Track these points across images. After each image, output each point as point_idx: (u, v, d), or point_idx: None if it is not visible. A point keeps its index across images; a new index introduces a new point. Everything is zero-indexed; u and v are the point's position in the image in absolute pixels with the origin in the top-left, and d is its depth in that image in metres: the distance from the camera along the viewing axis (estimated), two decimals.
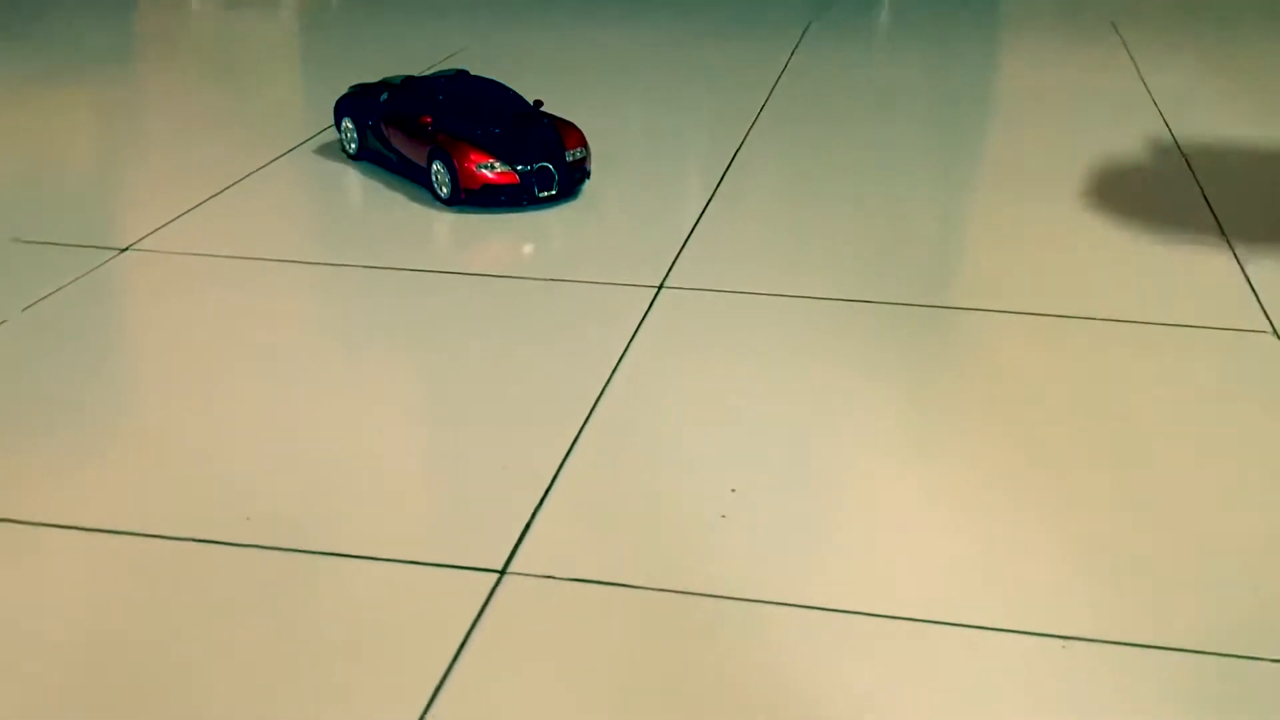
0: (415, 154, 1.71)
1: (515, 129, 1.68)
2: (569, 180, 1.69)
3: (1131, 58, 2.51)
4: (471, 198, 1.65)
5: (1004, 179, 1.87)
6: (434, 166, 1.67)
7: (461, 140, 1.65)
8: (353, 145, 1.85)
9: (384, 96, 1.80)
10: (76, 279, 1.44)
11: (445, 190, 1.66)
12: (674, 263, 1.52)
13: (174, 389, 1.22)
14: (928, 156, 1.95)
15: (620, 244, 1.59)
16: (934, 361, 1.29)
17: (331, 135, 1.94)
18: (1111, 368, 1.28)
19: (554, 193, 1.67)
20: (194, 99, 2.22)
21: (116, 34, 2.69)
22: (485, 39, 2.62)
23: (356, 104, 1.84)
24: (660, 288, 1.45)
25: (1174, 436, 1.15)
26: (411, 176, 1.75)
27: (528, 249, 1.59)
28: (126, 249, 1.53)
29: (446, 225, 1.64)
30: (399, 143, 1.74)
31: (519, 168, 1.64)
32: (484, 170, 1.63)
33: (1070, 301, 1.42)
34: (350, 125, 1.84)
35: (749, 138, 2.00)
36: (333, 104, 1.89)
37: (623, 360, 1.27)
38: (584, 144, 1.72)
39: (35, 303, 1.38)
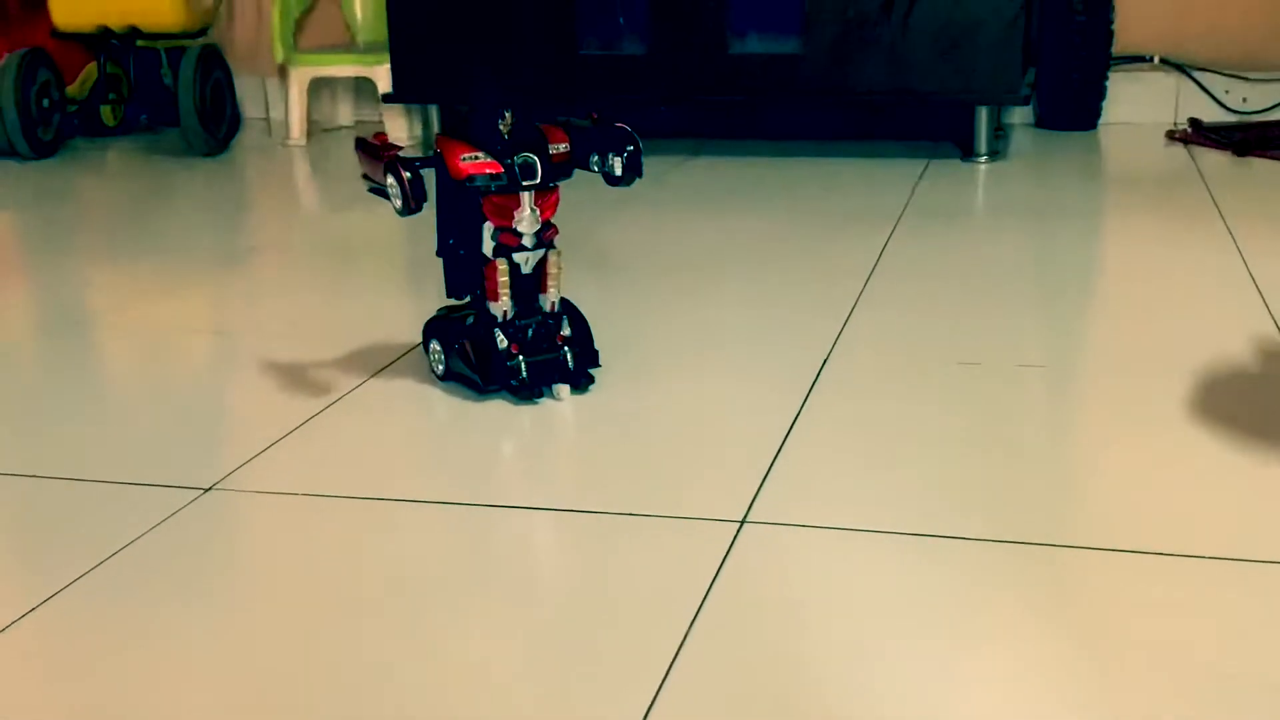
0: (376, 173, 1.79)
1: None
2: (551, 172, 1.78)
3: (1236, 243, 2.43)
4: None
5: (1104, 388, 1.80)
6: (388, 180, 1.75)
7: (448, 139, 1.77)
8: (439, 367, 1.86)
9: (469, 320, 1.81)
10: (156, 525, 1.44)
11: (399, 203, 1.74)
12: (759, 491, 1.47)
13: (265, 640, 1.20)
14: (1036, 354, 1.89)
15: (697, 467, 1.55)
16: (1036, 608, 1.22)
17: (420, 354, 1.95)
18: (1217, 612, 1.20)
19: (536, 182, 1.76)
20: (291, 312, 2.26)
21: (228, 239, 2.77)
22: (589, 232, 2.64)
23: (443, 326, 1.85)
24: (743, 523, 1.40)
25: None
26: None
27: (597, 477, 1.55)
28: (210, 489, 1.54)
29: (521, 451, 1.62)
30: (369, 169, 1.81)
31: (504, 161, 1.75)
32: (468, 161, 1.73)
33: (1172, 537, 1.34)
34: (438, 347, 1.85)
35: (843, 335, 1.97)
36: (423, 323, 1.90)
37: (696, 620, 1.22)
38: (567, 140, 1.80)
39: (112, 555, 1.38)
